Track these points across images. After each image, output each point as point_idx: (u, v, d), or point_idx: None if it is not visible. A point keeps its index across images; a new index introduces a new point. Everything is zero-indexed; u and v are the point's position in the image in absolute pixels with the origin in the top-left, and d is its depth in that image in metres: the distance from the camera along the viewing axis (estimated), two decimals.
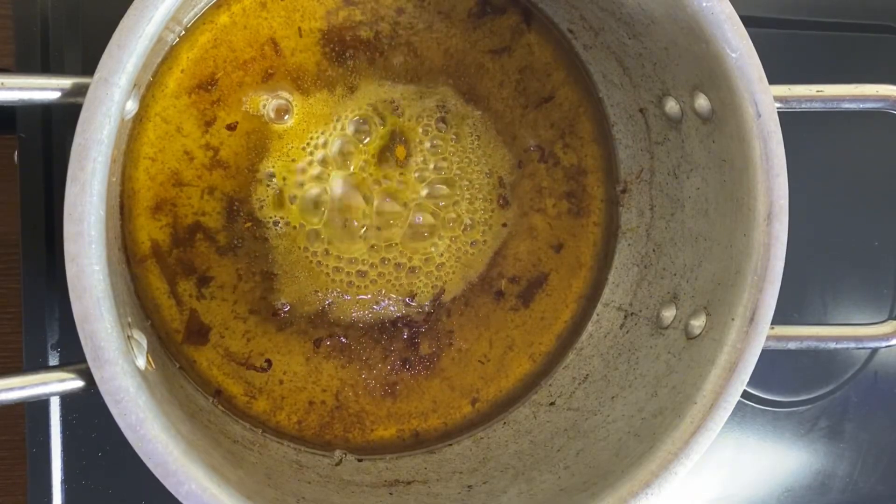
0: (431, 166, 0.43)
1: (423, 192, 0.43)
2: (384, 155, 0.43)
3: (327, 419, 0.43)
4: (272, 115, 0.42)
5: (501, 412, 0.46)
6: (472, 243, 0.44)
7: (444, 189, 0.44)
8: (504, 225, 0.45)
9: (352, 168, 0.43)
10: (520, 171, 0.45)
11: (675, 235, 0.43)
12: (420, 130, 0.43)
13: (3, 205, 0.49)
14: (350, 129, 0.43)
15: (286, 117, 0.42)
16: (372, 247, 0.43)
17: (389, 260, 0.43)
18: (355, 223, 0.42)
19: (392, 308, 0.43)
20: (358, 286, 0.43)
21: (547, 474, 0.40)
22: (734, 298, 0.36)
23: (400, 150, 0.43)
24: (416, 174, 0.43)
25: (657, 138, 0.43)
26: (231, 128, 0.41)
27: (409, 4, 0.43)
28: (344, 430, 0.44)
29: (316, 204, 0.42)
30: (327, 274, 0.42)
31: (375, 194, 0.43)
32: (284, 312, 0.42)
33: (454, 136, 0.44)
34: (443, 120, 0.44)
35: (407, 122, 0.43)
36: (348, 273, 0.43)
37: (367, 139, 0.43)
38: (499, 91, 0.44)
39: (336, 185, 0.42)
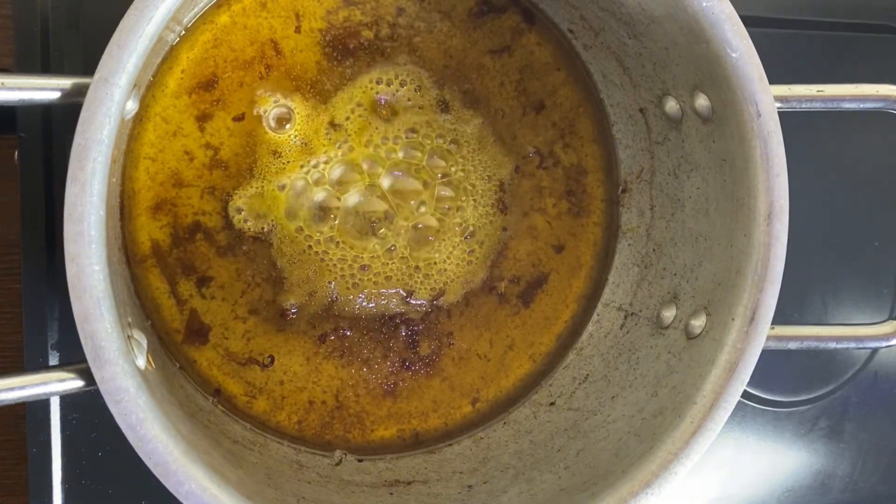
0: (433, 170, 0.43)
1: (422, 197, 0.43)
2: (385, 154, 0.43)
3: (327, 419, 0.43)
4: (273, 123, 0.42)
5: (501, 412, 0.46)
6: (469, 251, 0.44)
7: (448, 192, 0.44)
8: (504, 229, 0.45)
9: (354, 166, 0.43)
10: (520, 174, 0.45)
11: (675, 235, 0.43)
12: (420, 130, 0.43)
13: (3, 205, 0.49)
14: (351, 130, 0.42)
15: (287, 126, 0.42)
16: (382, 241, 0.43)
17: (396, 249, 0.43)
18: (373, 224, 0.42)
19: (393, 302, 0.43)
20: (361, 279, 0.43)
21: (547, 474, 0.40)
22: (734, 298, 0.36)
23: (402, 150, 0.43)
24: (418, 177, 0.43)
25: (657, 138, 0.43)
26: (239, 119, 0.41)
27: (410, 4, 0.43)
28: (344, 431, 0.44)
29: (322, 207, 0.42)
30: (333, 265, 0.42)
31: (381, 194, 0.43)
32: (291, 313, 0.42)
33: (454, 138, 0.44)
34: (443, 121, 0.44)
35: (407, 122, 0.43)
36: (351, 265, 0.43)
37: (368, 139, 0.43)
38: (499, 91, 0.44)
39: (337, 187, 0.42)
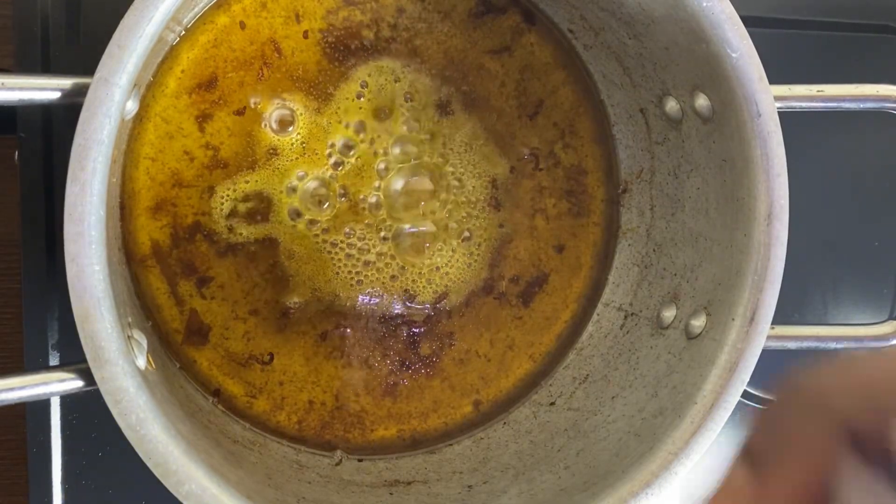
0: (433, 172, 0.43)
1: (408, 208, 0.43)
2: (385, 157, 0.43)
3: (327, 419, 0.43)
4: (275, 125, 0.42)
5: (502, 412, 0.46)
6: (470, 253, 0.44)
7: (448, 194, 0.44)
8: (501, 226, 0.45)
9: (355, 164, 0.43)
10: (518, 173, 0.45)
11: (675, 235, 0.43)
12: (421, 132, 0.43)
13: (3, 205, 0.49)
14: (351, 132, 0.42)
15: (290, 129, 0.42)
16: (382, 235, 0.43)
17: (398, 253, 0.43)
18: (377, 228, 0.42)
19: (394, 302, 0.43)
20: (364, 278, 0.43)
21: (547, 474, 0.40)
22: (734, 298, 0.36)
23: (400, 149, 0.43)
24: (419, 179, 0.43)
25: (657, 138, 0.43)
26: (239, 112, 0.41)
27: (410, 4, 0.43)
28: (344, 431, 0.44)
29: (324, 209, 0.42)
30: (336, 265, 0.42)
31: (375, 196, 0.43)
32: (292, 313, 0.42)
33: (455, 139, 0.44)
34: (444, 122, 0.44)
35: (408, 123, 0.43)
36: (354, 267, 0.43)
37: (368, 140, 0.43)
38: (499, 91, 0.44)
39: (337, 190, 0.42)
